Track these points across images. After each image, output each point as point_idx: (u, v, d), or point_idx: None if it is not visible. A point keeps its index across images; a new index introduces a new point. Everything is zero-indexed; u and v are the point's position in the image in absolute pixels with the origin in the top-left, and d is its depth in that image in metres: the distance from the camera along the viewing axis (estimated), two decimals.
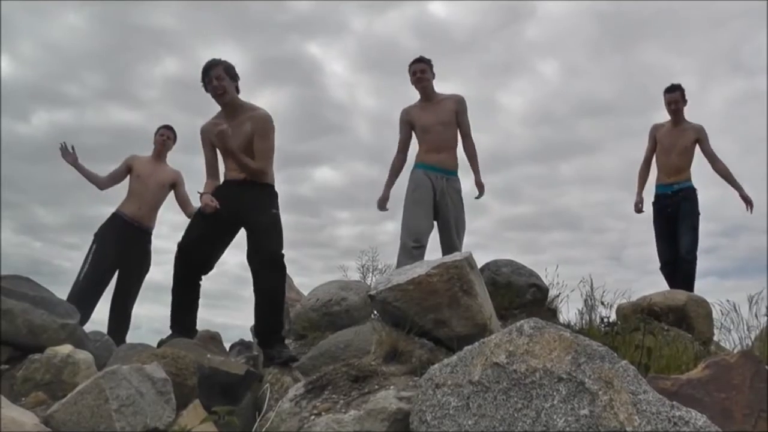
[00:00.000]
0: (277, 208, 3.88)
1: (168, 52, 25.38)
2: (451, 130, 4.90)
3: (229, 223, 3.81)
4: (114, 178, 5.44)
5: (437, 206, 4.77)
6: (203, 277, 3.95)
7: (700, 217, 5.43)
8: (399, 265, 4.53)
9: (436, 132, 4.86)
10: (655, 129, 5.72)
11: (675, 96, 5.50)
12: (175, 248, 3.85)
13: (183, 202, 5.49)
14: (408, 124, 5.00)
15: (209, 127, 3.94)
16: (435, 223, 4.82)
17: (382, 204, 5.08)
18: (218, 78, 3.83)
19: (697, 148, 5.49)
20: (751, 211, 5.27)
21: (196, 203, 5.40)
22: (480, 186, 4.98)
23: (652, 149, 5.72)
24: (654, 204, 5.63)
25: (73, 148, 5.28)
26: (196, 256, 3.84)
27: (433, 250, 4.80)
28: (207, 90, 3.91)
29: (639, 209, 5.66)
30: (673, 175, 5.53)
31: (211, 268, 3.94)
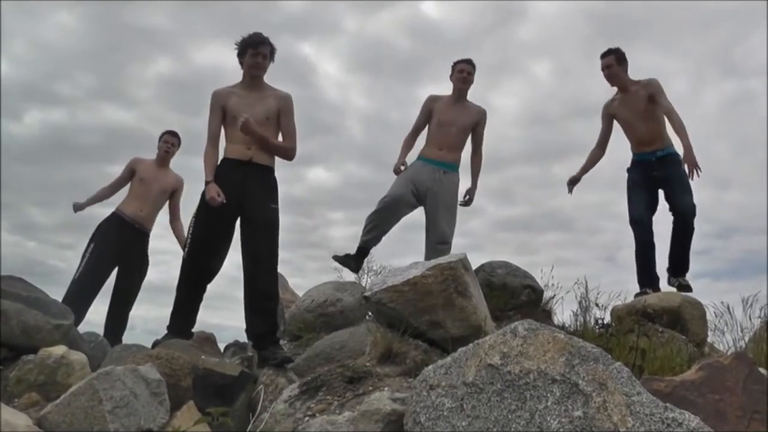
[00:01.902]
0: (277, 202, 3.88)
1: (161, 52, 25.40)
2: (464, 136, 5.00)
3: (231, 215, 3.80)
4: (119, 185, 5.46)
5: (427, 193, 4.80)
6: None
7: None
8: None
9: (448, 132, 4.95)
10: (608, 107, 5.12)
11: (607, 60, 4.96)
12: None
13: (174, 211, 5.52)
14: (429, 111, 5.07)
15: (224, 93, 3.96)
16: (423, 211, 4.87)
17: (398, 168, 5.05)
18: (264, 56, 3.94)
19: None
20: (694, 177, 4.60)
21: (190, 205, 5.44)
22: (471, 194, 5.06)
23: (606, 131, 5.17)
24: (632, 169, 5.03)
25: (81, 206, 5.43)
26: (206, 265, 3.85)
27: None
28: (245, 57, 3.94)
29: (571, 188, 5.26)
30: (651, 143, 4.92)
31: (218, 270, 3.94)
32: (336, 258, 4.80)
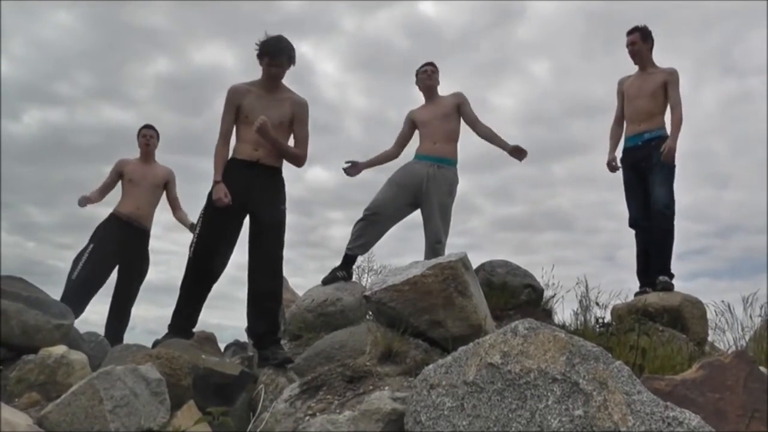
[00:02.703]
0: (285, 203, 3.87)
1: (159, 52, 25.43)
2: (450, 123, 4.96)
3: (238, 216, 3.79)
4: (106, 189, 5.43)
5: (422, 193, 4.78)
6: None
7: (676, 170, 4.81)
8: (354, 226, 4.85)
9: (433, 125, 4.95)
10: (622, 82, 5.21)
11: (633, 37, 5.03)
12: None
13: (173, 203, 5.52)
14: (410, 121, 5.13)
15: (241, 90, 3.89)
16: (420, 211, 4.85)
17: (352, 168, 5.12)
18: (280, 66, 3.87)
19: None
20: (665, 157, 4.71)
21: (187, 205, 5.44)
22: (517, 149, 4.81)
23: (622, 107, 5.19)
24: (623, 160, 5.08)
25: (87, 199, 5.29)
26: (211, 265, 3.83)
27: (419, 249, 4.82)
28: (262, 61, 3.88)
29: (613, 167, 5.09)
30: (643, 122, 4.96)
31: (223, 271, 3.92)
32: (325, 280, 4.76)
